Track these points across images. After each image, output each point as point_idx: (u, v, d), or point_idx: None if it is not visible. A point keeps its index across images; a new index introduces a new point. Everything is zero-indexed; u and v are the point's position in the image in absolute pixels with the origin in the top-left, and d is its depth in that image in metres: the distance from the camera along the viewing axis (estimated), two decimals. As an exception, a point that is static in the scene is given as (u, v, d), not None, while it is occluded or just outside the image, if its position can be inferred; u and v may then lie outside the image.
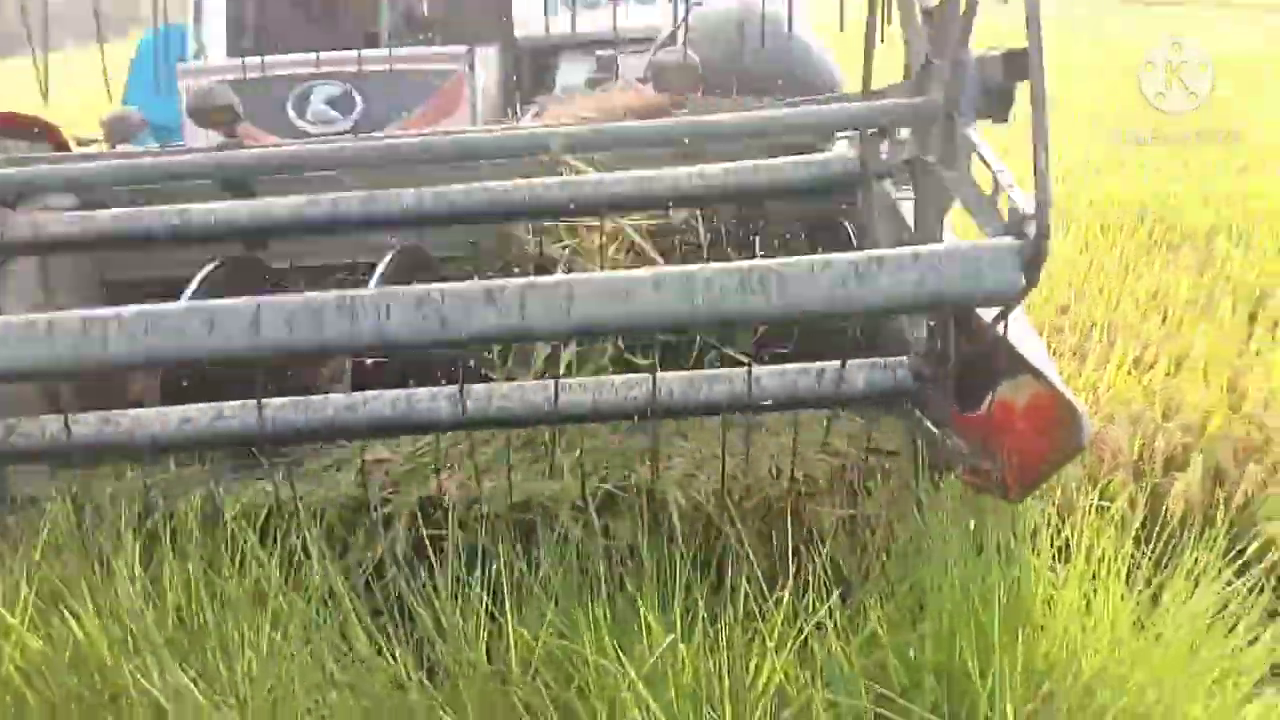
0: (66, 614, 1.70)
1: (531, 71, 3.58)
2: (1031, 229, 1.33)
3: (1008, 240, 1.38)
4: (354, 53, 2.69)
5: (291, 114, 3.08)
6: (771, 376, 1.85)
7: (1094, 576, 1.80)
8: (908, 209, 1.92)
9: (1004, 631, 1.57)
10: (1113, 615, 1.73)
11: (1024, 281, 1.36)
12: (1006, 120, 1.65)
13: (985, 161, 1.51)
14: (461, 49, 3.23)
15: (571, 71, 3.30)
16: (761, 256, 1.72)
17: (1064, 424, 1.50)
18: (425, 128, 2.94)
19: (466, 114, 3.13)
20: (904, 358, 1.84)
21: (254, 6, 3.48)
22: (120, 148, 2.72)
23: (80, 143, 2.77)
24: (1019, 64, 1.51)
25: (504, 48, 3.50)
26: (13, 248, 2.03)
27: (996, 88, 1.57)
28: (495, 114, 3.36)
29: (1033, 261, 1.34)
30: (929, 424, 1.82)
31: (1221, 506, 2.33)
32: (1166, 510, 2.35)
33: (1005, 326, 1.49)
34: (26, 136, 2.37)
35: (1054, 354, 2.95)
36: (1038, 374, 1.52)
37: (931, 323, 1.74)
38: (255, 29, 3.35)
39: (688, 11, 2.84)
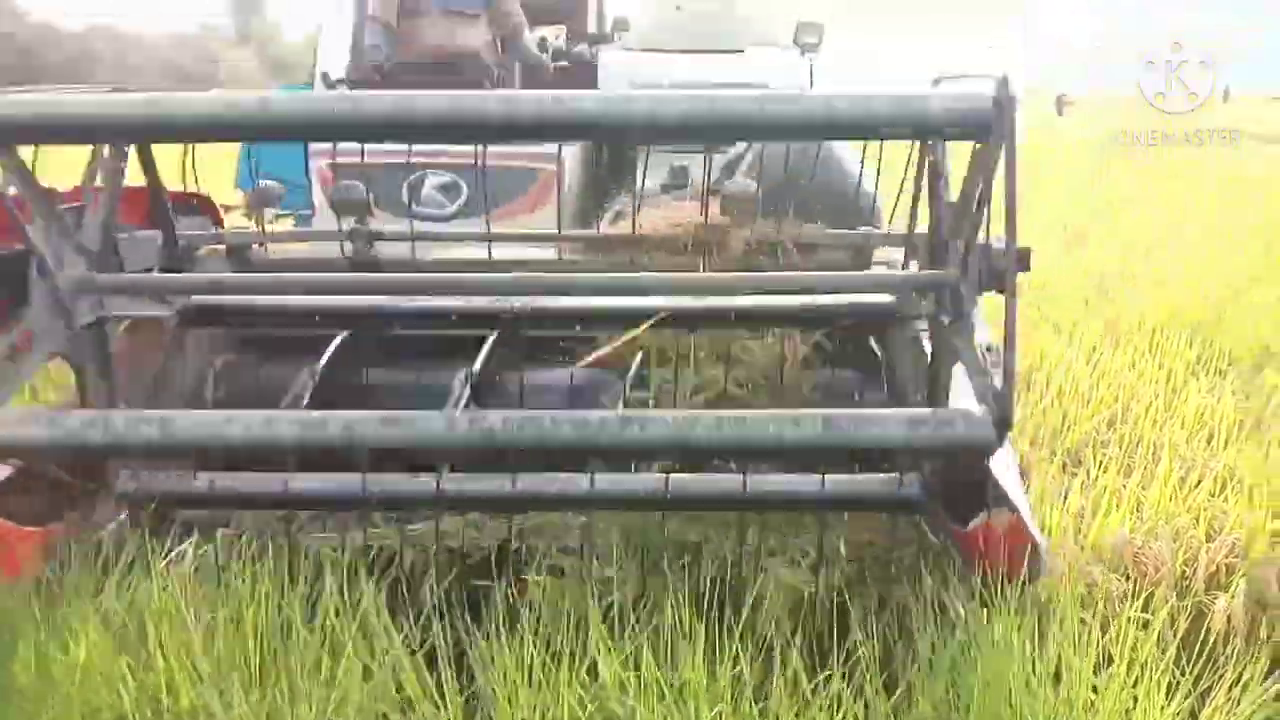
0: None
1: (611, 171, 3.90)
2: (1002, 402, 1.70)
3: (980, 409, 1.75)
4: (463, 146, 2.91)
5: (404, 196, 3.35)
6: (800, 481, 2.16)
7: (1135, 684, 1.85)
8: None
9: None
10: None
11: (995, 438, 1.72)
12: (1028, 270, 2.01)
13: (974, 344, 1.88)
14: (552, 148, 3.53)
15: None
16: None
17: (1033, 553, 1.84)
18: (519, 215, 3.40)
19: (554, 206, 3.34)
20: (916, 474, 2.14)
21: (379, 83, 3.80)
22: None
23: (226, 210, 2.98)
24: (1025, 257, 1.92)
25: (587, 149, 3.85)
26: (194, 313, 2.35)
27: (1000, 270, 1.86)
28: (580, 207, 3.66)
29: (1000, 425, 1.71)
30: (930, 533, 2.18)
31: (1264, 626, 2.36)
32: (1207, 628, 2.38)
33: (988, 469, 1.84)
34: (190, 211, 2.62)
35: (1102, 468, 3.02)
36: (1014, 509, 1.85)
37: None
38: None
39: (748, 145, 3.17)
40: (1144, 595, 2.37)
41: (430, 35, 3.95)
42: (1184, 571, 2.54)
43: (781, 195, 2.77)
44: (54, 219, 1.92)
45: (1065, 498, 2.85)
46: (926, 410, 2.06)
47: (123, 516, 2.18)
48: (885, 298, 2.33)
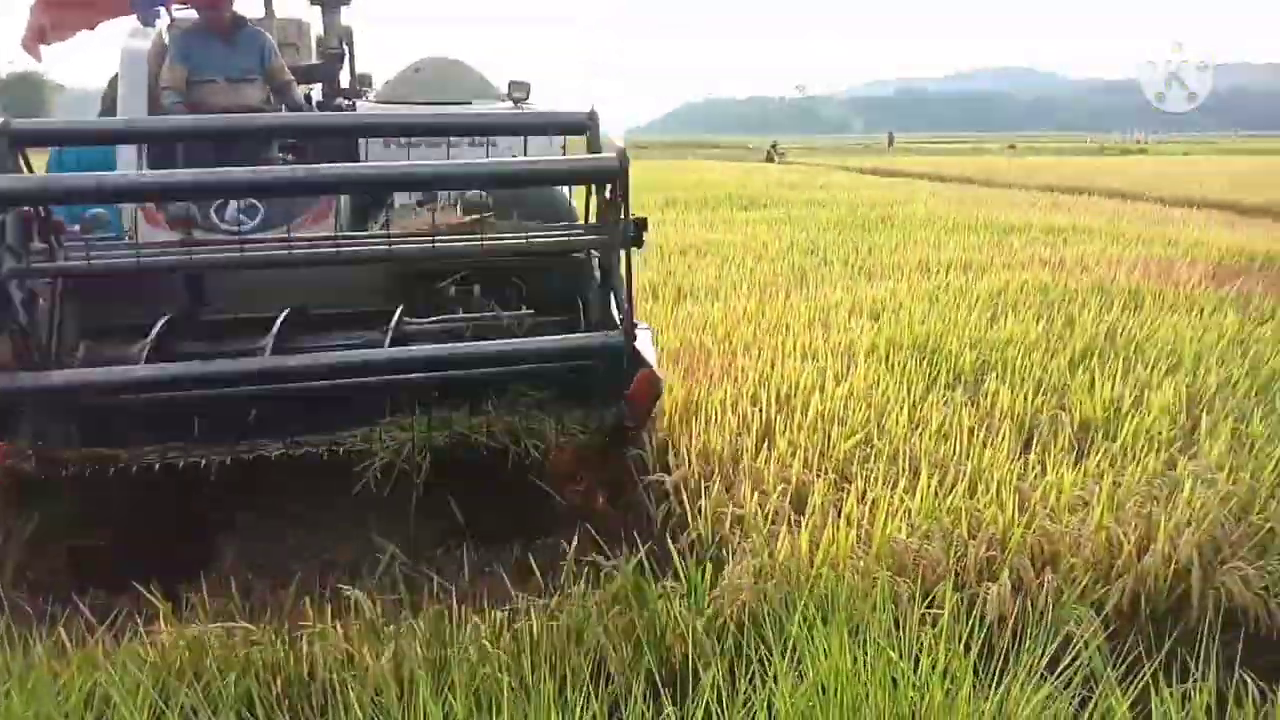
0: None
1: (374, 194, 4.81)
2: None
3: (618, 330, 3.35)
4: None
5: (214, 217, 4.34)
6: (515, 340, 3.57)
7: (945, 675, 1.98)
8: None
9: None
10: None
11: (624, 341, 3.31)
12: (641, 247, 3.42)
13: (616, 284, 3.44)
14: None
15: (403, 195, 4.60)
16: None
17: (655, 384, 3.34)
18: (307, 226, 4.35)
19: (332, 220, 4.46)
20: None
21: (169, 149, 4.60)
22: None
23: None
24: (643, 226, 3.38)
25: None
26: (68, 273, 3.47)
27: (636, 234, 3.35)
28: (353, 219, 4.66)
29: (628, 334, 3.30)
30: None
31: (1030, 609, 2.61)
32: (982, 614, 2.61)
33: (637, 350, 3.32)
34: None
35: (869, 481, 3.24)
36: (648, 366, 3.29)
37: None
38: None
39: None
40: (930, 593, 2.56)
41: (219, 97, 4.83)
42: (956, 568, 2.76)
43: (507, 202, 4.10)
44: None
45: (840, 511, 3.03)
46: (598, 334, 3.50)
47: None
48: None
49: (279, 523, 3.76)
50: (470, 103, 5.31)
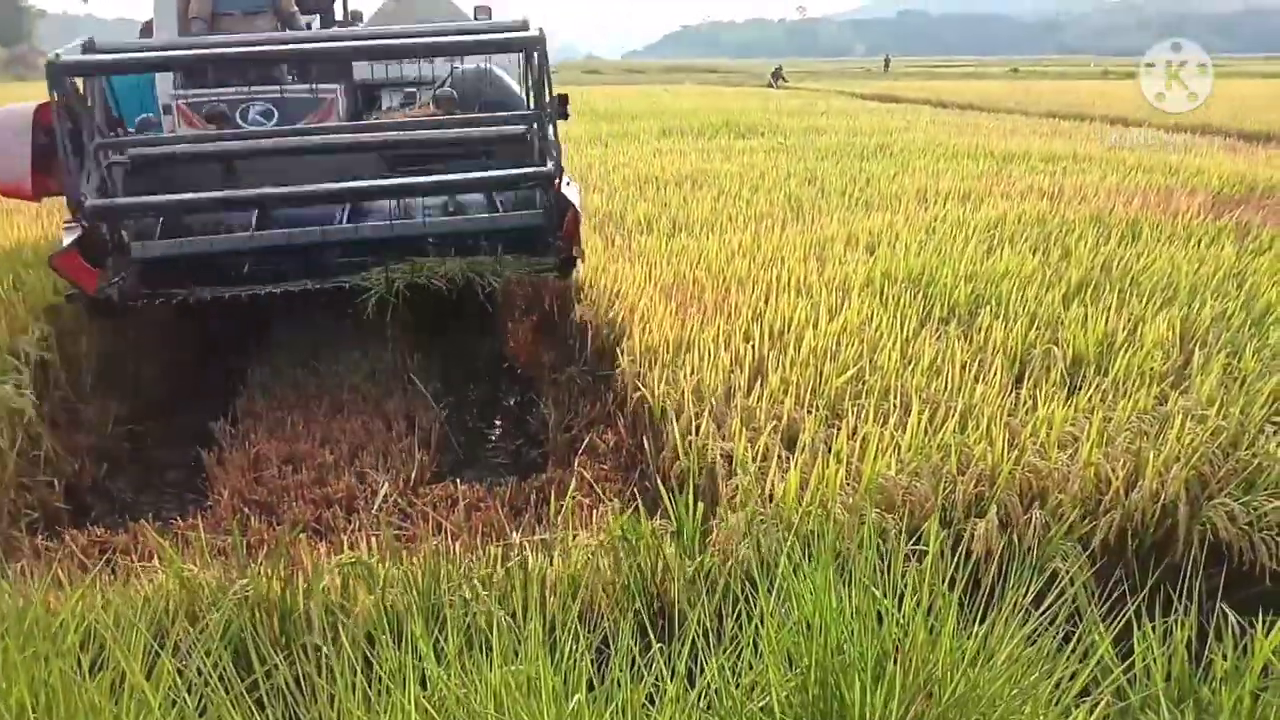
0: None
1: (365, 100, 6.60)
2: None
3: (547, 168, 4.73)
4: (275, 86, 5.82)
5: (239, 119, 5.64)
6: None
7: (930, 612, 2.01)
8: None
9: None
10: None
11: (551, 169, 4.70)
12: (567, 119, 5.08)
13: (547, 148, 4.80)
14: (333, 85, 6.08)
15: (389, 99, 6.53)
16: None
17: (578, 218, 4.67)
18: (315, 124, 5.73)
19: (335, 119, 5.97)
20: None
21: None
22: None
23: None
24: (566, 101, 5.05)
25: (350, 86, 6.37)
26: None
27: (561, 109, 4.90)
28: (350, 119, 6.19)
29: (558, 174, 4.71)
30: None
31: (1017, 545, 2.64)
32: (969, 549, 2.64)
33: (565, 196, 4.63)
34: None
35: (860, 417, 3.25)
36: (575, 207, 4.56)
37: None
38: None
39: (451, 71, 6.12)
40: (917, 530, 2.58)
41: (237, 26, 6.04)
42: (944, 505, 2.78)
43: (471, 98, 5.71)
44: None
45: (830, 448, 3.05)
46: (530, 167, 4.90)
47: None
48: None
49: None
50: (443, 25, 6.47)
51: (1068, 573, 2.55)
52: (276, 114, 5.63)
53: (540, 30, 4.75)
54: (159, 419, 4.89)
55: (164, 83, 5.84)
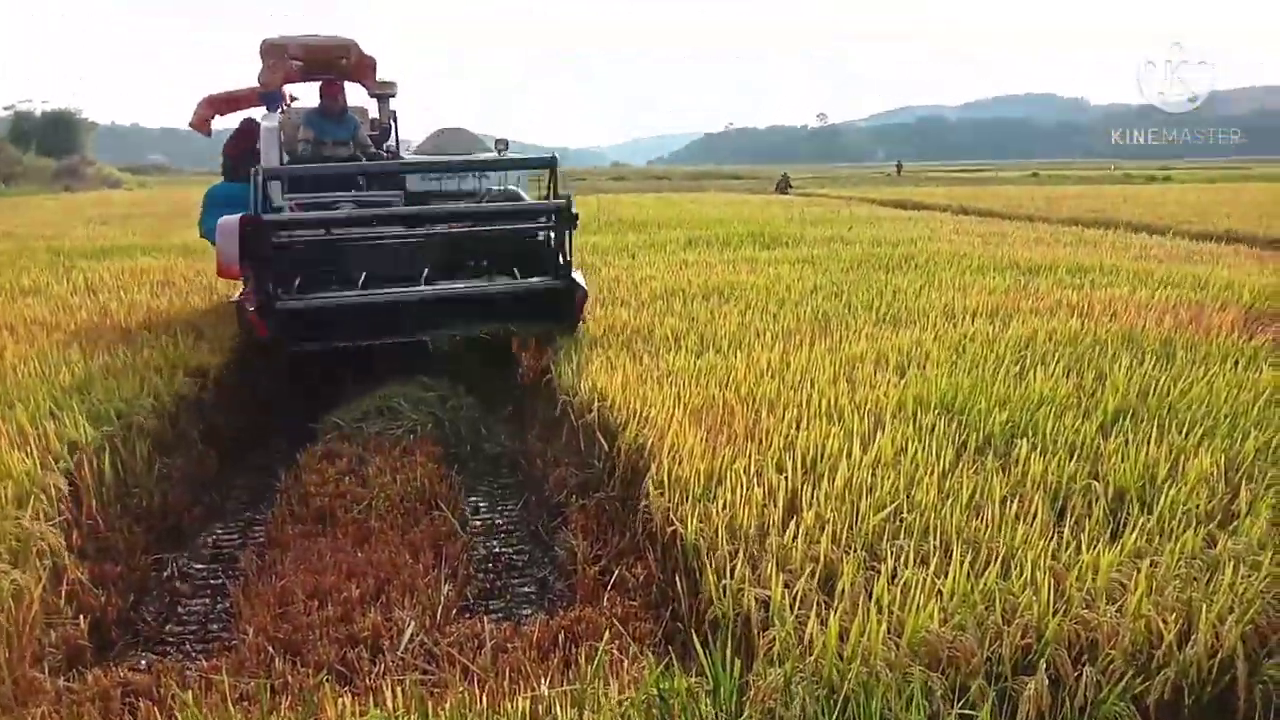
0: None
1: (414, 204, 8.28)
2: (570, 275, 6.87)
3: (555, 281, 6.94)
4: (354, 192, 8.18)
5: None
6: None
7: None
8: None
9: None
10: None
11: (566, 282, 6.89)
12: (575, 226, 6.97)
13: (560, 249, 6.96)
14: (396, 192, 8.29)
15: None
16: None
17: (583, 299, 6.95)
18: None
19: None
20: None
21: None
22: None
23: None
24: (575, 218, 6.92)
25: (405, 195, 8.47)
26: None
27: (571, 218, 6.90)
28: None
29: (570, 278, 6.87)
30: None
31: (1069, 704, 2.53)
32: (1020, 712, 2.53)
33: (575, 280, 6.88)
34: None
35: (900, 560, 3.16)
36: (582, 289, 6.92)
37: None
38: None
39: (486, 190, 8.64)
40: (965, 688, 2.48)
41: (330, 151, 8.45)
42: (990, 658, 2.68)
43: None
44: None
45: (870, 594, 2.96)
46: (545, 279, 7.01)
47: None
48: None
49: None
50: (470, 153, 8.85)
51: (1125, 739, 2.44)
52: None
53: (554, 155, 7.15)
54: (187, 545, 4.87)
55: (274, 189, 7.31)
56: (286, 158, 8.14)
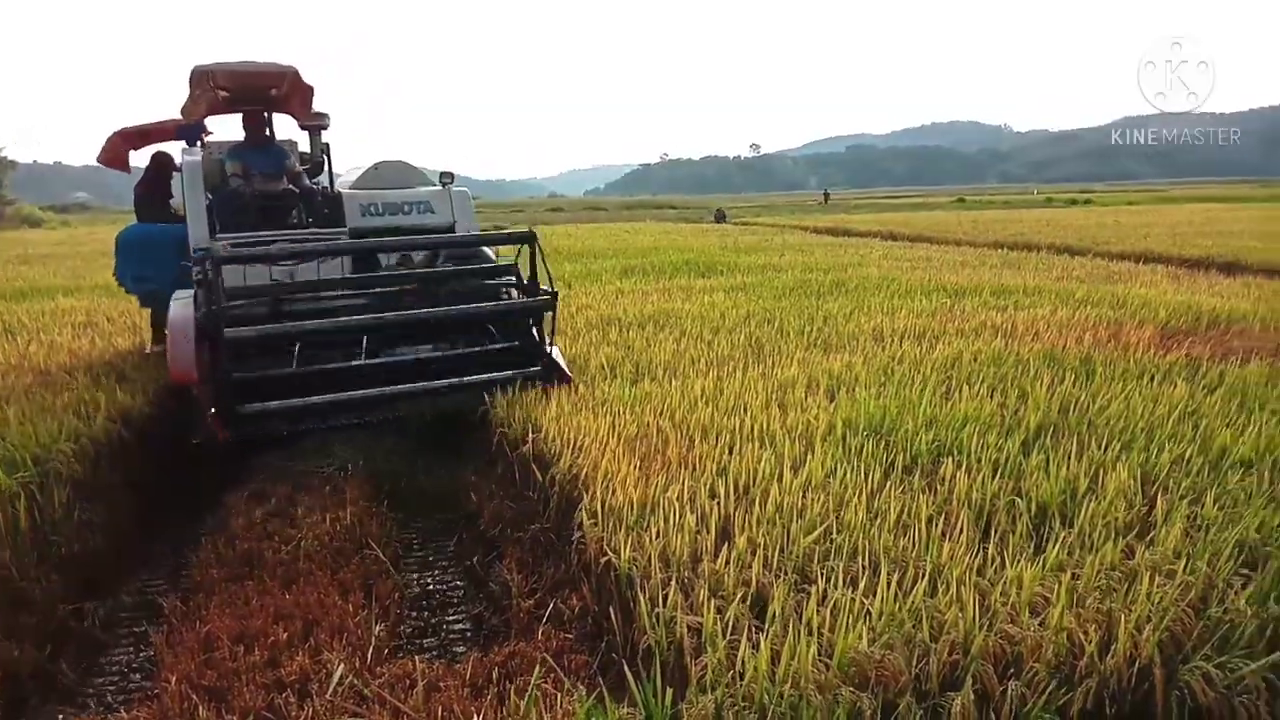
0: None
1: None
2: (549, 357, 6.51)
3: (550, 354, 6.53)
4: (304, 231, 7.75)
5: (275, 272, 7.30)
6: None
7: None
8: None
9: None
10: None
11: (542, 360, 6.51)
12: (554, 311, 6.63)
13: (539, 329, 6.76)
14: (341, 229, 7.71)
15: (385, 258, 7.94)
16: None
17: (563, 374, 6.41)
18: (330, 259, 7.53)
19: (339, 263, 7.69)
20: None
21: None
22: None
23: None
24: (553, 298, 6.60)
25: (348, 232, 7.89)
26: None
27: (551, 302, 6.60)
28: (353, 267, 7.76)
29: (545, 355, 6.53)
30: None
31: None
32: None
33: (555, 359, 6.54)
34: None
35: (830, 582, 3.18)
36: (561, 369, 6.47)
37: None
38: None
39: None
40: (893, 706, 2.50)
41: (258, 184, 7.99)
42: (918, 675, 2.71)
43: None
44: None
45: (801, 616, 2.97)
46: (528, 369, 6.47)
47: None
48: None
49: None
50: (411, 187, 8.21)
51: (1049, 750, 2.48)
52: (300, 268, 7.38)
53: (532, 231, 6.65)
54: (108, 593, 4.71)
55: (198, 231, 7.15)
56: (209, 195, 7.63)
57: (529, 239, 6.50)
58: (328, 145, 9.07)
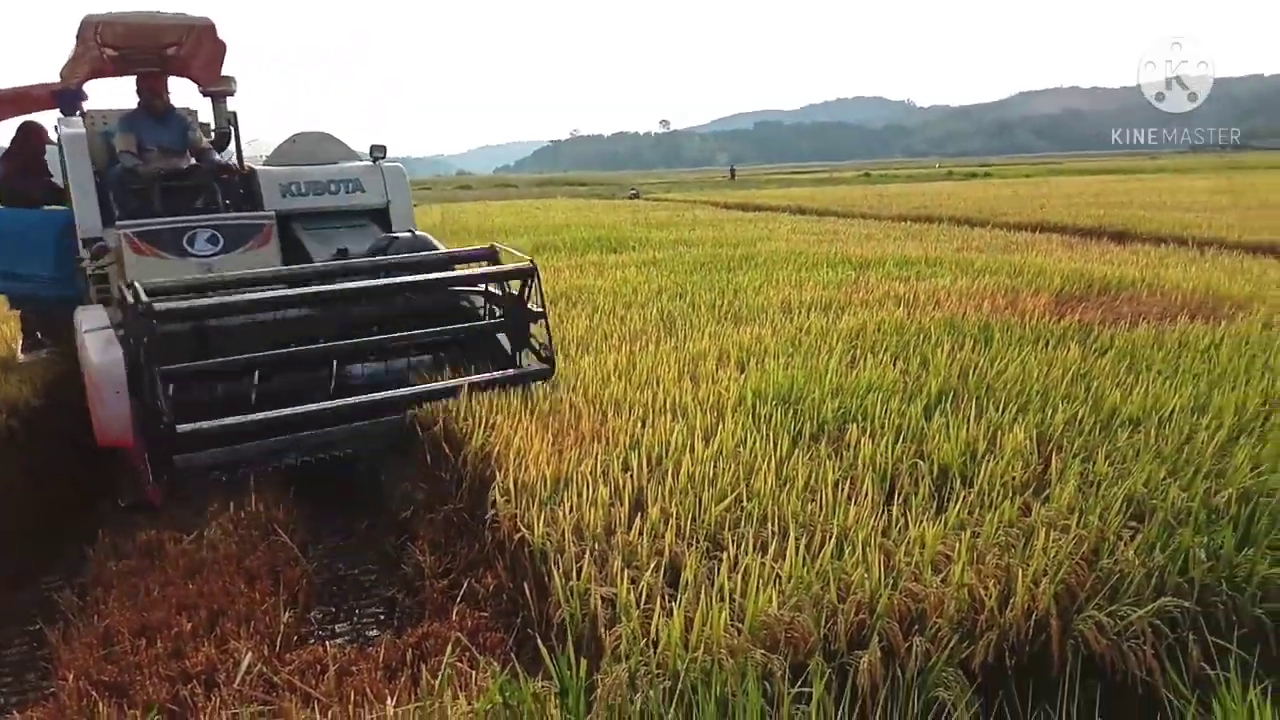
0: None
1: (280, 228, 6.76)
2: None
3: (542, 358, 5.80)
4: (222, 215, 6.54)
5: (186, 245, 6.17)
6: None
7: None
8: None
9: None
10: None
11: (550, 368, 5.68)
12: (544, 317, 5.81)
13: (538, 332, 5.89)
14: (270, 213, 6.67)
15: (316, 248, 6.77)
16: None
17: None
18: (255, 249, 6.36)
19: (274, 244, 6.51)
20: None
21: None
22: None
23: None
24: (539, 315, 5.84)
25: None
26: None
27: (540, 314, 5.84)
28: (285, 245, 6.67)
29: (550, 362, 5.72)
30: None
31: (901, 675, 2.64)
32: (853, 683, 2.63)
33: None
34: None
35: (740, 547, 3.23)
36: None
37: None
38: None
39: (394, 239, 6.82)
40: (803, 667, 2.55)
41: (157, 162, 6.79)
42: (827, 636, 2.77)
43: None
44: None
45: (713, 583, 3.01)
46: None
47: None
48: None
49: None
50: (335, 163, 7.31)
51: (952, 701, 2.56)
52: (222, 239, 6.27)
53: (533, 263, 5.85)
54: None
55: (88, 217, 6.23)
56: (98, 175, 6.50)
57: (530, 274, 5.77)
58: (234, 115, 7.80)
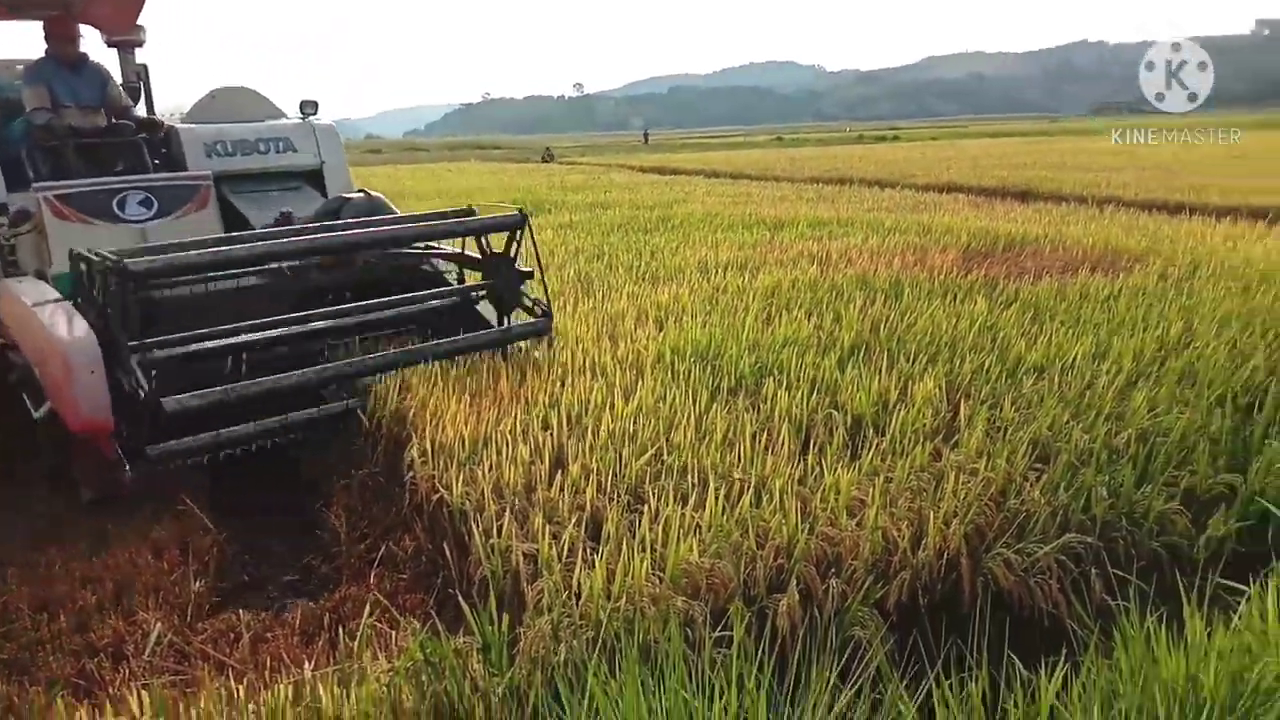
0: None
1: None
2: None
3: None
4: (154, 175, 5.87)
5: (116, 209, 5.43)
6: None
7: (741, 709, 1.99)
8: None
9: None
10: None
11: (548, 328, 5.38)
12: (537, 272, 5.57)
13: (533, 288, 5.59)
14: (207, 173, 5.98)
15: (255, 213, 6.19)
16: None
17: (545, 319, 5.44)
18: (191, 213, 5.68)
19: (211, 209, 5.81)
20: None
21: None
22: None
23: None
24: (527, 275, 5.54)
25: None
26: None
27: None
28: (223, 209, 6.01)
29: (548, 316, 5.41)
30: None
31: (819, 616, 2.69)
32: (773, 624, 2.67)
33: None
34: None
35: (661, 499, 3.24)
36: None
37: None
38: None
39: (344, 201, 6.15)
40: (723, 612, 2.58)
41: (73, 119, 6.06)
42: (746, 582, 2.81)
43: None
44: None
45: (634, 535, 3.02)
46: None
47: None
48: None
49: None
50: (262, 120, 6.73)
51: (867, 640, 2.63)
52: (156, 203, 5.63)
53: (523, 212, 5.46)
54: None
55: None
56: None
57: (519, 222, 5.38)
58: (145, 67, 7.20)
